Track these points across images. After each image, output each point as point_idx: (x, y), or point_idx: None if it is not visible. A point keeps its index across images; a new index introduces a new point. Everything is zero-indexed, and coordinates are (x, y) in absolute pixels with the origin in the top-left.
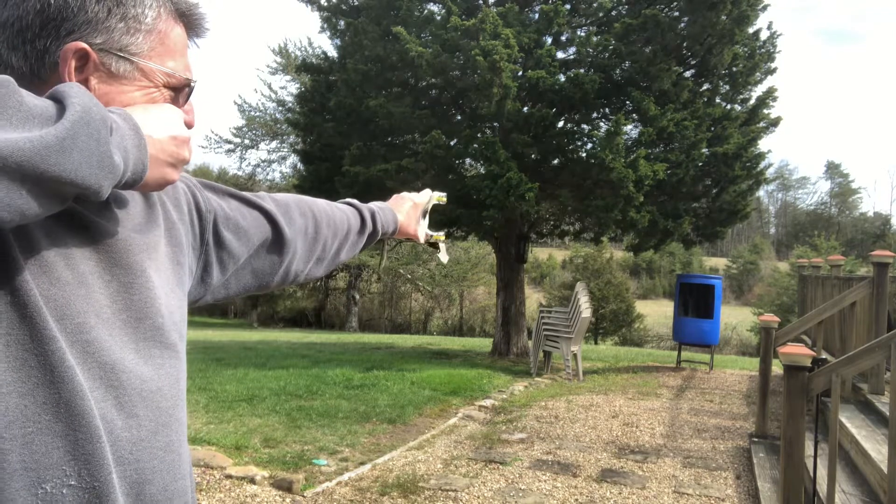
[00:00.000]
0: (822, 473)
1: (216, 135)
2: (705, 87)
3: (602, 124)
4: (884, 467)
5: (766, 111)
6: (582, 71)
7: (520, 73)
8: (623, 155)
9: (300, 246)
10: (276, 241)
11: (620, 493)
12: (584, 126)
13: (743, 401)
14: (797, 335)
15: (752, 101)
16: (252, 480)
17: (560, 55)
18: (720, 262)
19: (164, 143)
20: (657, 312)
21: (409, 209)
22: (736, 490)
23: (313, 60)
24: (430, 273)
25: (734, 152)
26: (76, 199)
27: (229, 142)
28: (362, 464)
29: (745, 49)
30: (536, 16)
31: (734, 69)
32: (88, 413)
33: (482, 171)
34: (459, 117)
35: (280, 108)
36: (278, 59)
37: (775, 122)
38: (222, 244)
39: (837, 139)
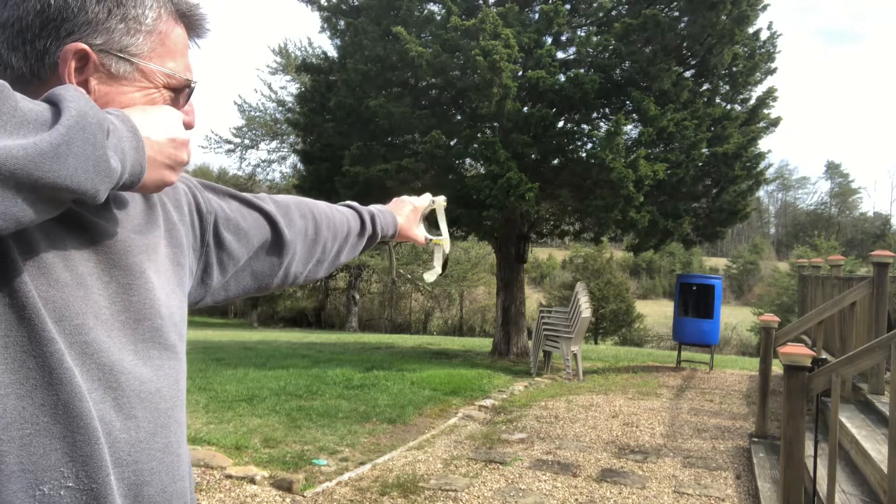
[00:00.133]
0: (822, 473)
1: (216, 135)
2: (705, 87)
3: (602, 124)
4: (884, 467)
5: (766, 111)
6: (582, 71)
7: (520, 73)
8: (623, 155)
9: (300, 248)
10: (276, 243)
11: (620, 493)
12: (584, 126)
13: (743, 401)
14: (797, 335)
15: (752, 101)
16: (252, 480)
17: (560, 55)
18: (720, 262)
19: (163, 145)
20: (657, 312)
21: (409, 213)
22: (736, 490)
23: (313, 60)
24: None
25: (734, 152)
26: (74, 202)
27: (229, 142)
28: (362, 464)
29: (745, 49)
30: (536, 16)
31: (734, 69)
32: (87, 415)
33: (482, 171)
34: (459, 117)
35: (280, 108)
36: (278, 59)
37: (775, 122)
38: (223, 245)
39: (837, 139)
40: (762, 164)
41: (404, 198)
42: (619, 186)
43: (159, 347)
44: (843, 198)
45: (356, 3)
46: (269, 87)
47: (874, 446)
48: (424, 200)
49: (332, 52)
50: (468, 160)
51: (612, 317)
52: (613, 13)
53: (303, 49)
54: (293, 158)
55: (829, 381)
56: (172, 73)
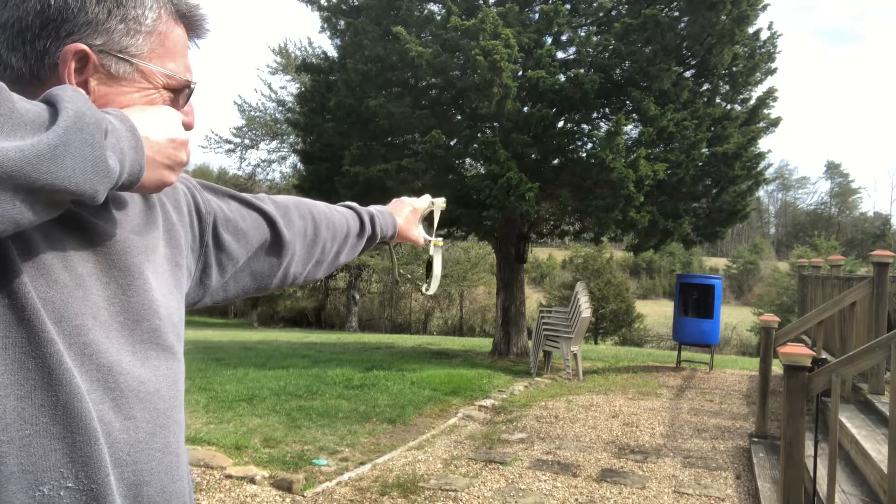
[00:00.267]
0: (822, 473)
1: (216, 135)
2: (705, 87)
3: (602, 124)
4: (884, 467)
5: (766, 111)
6: (582, 71)
7: (520, 73)
8: (623, 155)
9: (299, 248)
10: (275, 244)
11: (620, 493)
12: (584, 126)
13: (743, 401)
14: (797, 335)
15: (752, 102)
16: (252, 480)
17: (560, 55)
18: (720, 262)
19: (162, 146)
20: (657, 312)
21: (409, 214)
22: (736, 490)
23: (313, 60)
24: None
25: (734, 152)
26: (73, 202)
27: (229, 142)
28: (362, 464)
29: (745, 49)
30: (536, 16)
31: (734, 69)
32: (86, 415)
33: (482, 171)
34: (459, 117)
35: (280, 108)
36: (278, 59)
37: (775, 123)
38: (221, 246)
39: (837, 139)
40: (762, 164)
41: (404, 199)
42: (620, 186)
43: (157, 348)
44: (843, 198)
45: (356, 3)
46: (269, 87)
47: (874, 446)
48: (424, 202)
49: (332, 52)
50: (468, 160)
51: (612, 317)
52: (613, 13)
53: (303, 49)
54: (293, 158)
55: (829, 381)
56: (172, 73)
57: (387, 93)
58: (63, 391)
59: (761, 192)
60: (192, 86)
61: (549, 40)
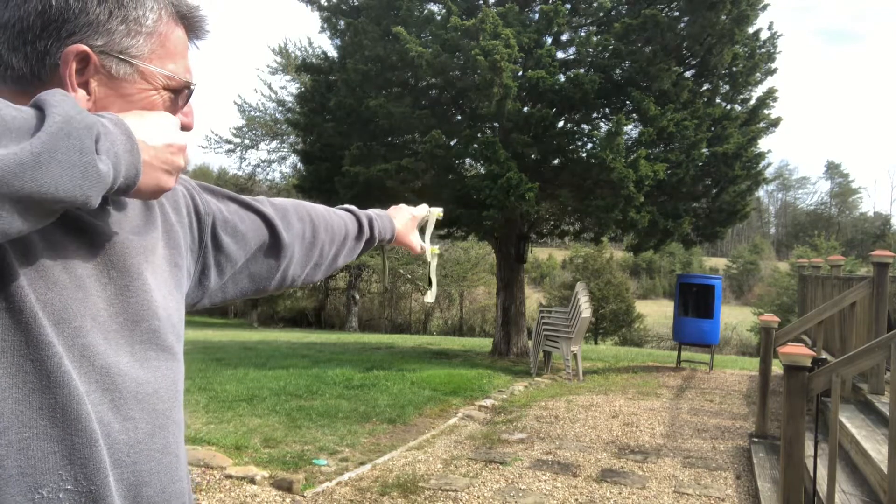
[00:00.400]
0: (822, 473)
1: (216, 135)
2: (705, 87)
3: (602, 124)
4: (884, 467)
5: (766, 111)
6: (582, 71)
7: (520, 73)
8: (623, 155)
9: (297, 250)
10: (274, 245)
11: (620, 493)
12: (585, 126)
13: (743, 401)
14: (797, 335)
15: (753, 102)
16: (252, 480)
17: (560, 55)
18: (720, 262)
19: (159, 150)
20: (657, 312)
21: (408, 220)
22: (736, 490)
23: (313, 60)
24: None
25: (734, 152)
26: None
27: (229, 142)
28: (362, 464)
29: (745, 49)
30: (536, 16)
31: (734, 69)
32: (85, 417)
33: (482, 171)
34: (459, 117)
35: (280, 108)
36: (278, 59)
37: (775, 123)
38: (220, 247)
39: (837, 139)
40: (762, 164)
41: (402, 206)
42: (620, 186)
43: (157, 349)
44: (843, 198)
45: (356, 3)
46: (269, 87)
47: (874, 446)
48: (422, 210)
49: (332, 52)
50: (468, 160)
51: (612, 317)
52: (613, 13)
53: (303, 49)
54: (293, 158)
55: (829, 381)
56: (172, 74)
57: (387, 93)
58: (62, 393)
59: (761, 192)
60: (191, 87)
61: (549, 40)
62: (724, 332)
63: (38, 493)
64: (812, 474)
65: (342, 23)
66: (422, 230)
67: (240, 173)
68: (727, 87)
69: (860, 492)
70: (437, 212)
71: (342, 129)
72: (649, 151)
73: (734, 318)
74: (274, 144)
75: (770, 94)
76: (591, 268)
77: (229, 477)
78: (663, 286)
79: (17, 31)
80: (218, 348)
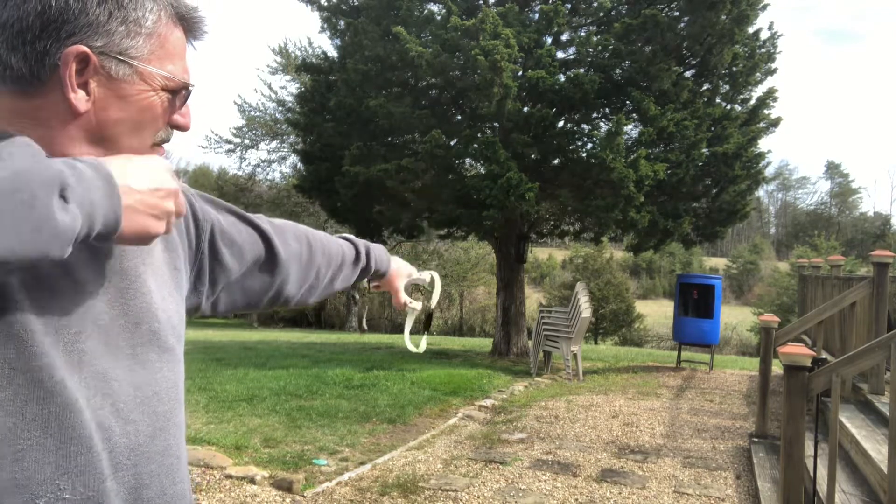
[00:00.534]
0: (822, 473)
1: (216, 135)
2: (705, 87)
3: (602, 124)
4: (884, 467)
5: (766, 111)
6: (582, 71)
7: (520, 73)
8: (623, 155)
9: (293, 270)
10: (270, 261)
11: (620, 493)
12: (585, 126)
13: (743, 401)
14: (797, 335)
15: (753, 102)
16: (252, 480)
17: (560, 55)
18: (720, 262)
19: (146, 195)
20: (657, 312)
21: (403, 267)
22: (736, 490)
23: (313, 60)
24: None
25: (734, 152)
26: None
27: (229, 142)
28: (362, 464)
29: (745, 49)
30: (536, 16)
31: (734, 69)
32: (80, 425)
33: (482, 171)
34: (459, 117)
35: (280, 108)
36: (278, 59)
37: (775, 123)
38: (216, 256)
39: (837, 139)
40: (762, 164)
41: (404, 263)
42: (620, 186)
43: (158, 350)
44: (843, 198)
45: (356, 3)
46: (269, 87)
47: (874, 446)
48: (424, 275)
49: (332, 52)
50: (468, 160)
51: (612, 317)
52: (613, 13)
53: (303, 49)
54: (293, 158)
55: (829, 381)
56: (171, 75)
57: (387, 93)
58: (55, 403)
59: (761, 192)
60: (190, 88)
61: (549, 40)
62: (724, 332)
63: None
64: (812, 474)
65: (342, 23)
66: (428, 296)
67: (240, 173)
68: (727, 87)
69: (860, 492)
70: (437, 284)
71: (342, 129)
72: (649, 151)
73: (734, 318)
74: (274, 144)
75: (770, 94)
76: (591, 268)
77: (229, 477)
78: (663, 286)
79: (16, 31)
80: (218, 348)
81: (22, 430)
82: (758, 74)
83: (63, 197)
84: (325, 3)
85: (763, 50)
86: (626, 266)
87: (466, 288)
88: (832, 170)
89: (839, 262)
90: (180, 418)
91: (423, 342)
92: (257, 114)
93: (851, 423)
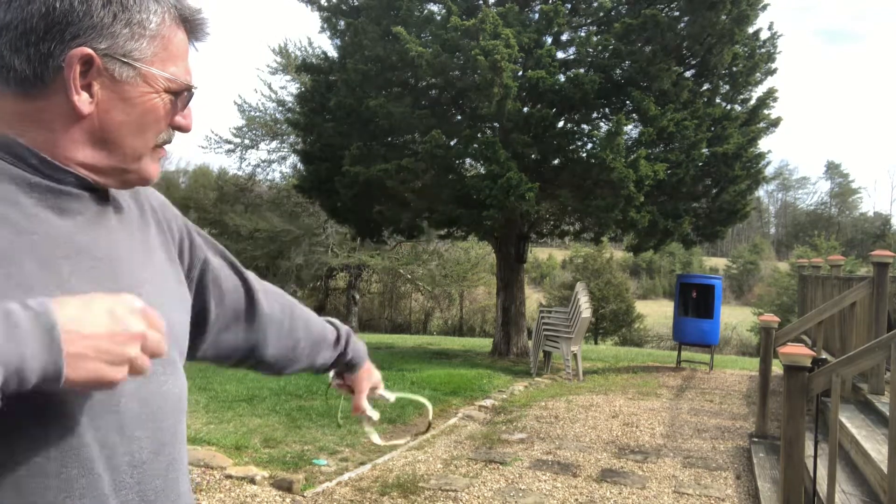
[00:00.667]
0: (822, 473)
1: (216, 135)
2: (705, 87)
3: (602, 124)
4: (884, 467)
5: (766, 111)
6: (582, 71)
7: (520, 73)
8: (623, 155)
9: (271, 333)
10: (249, 316)
11: (620, 493)
12: (585, 126)
13: (743, 401)
14: (797, 335)
15: (753, 102)
16: (252, 480)
17: (560, 55)
18: (720, 262)
19: (98, 340)
20: (657, 312)
21: (375, 371)
22: (736, 490)
23: (313, 60)
24: (429, 273)
25: (734, 152)
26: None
27: (229, 142)
28: (362, 464)
29: (745, 49)
30: (536, 16)
31: (734, 69)
32: (81, 448)
33: (482, 171)
34: (459, 117)
35: (280, 108)
36: (278, 59)
37: (775, 123)
38: (202, 289)
39: (837, 139)
40: (762, 164)
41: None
42: (620, 186)
43: (161, 363)
44: (843, 198)
45: (356, 3)
46: (269, 87)
47: (874, 446)
48: (385, 393)
49: (332, 52)
50: (468, 160)
51: (612, 317)
52: (613, 13)
53: (303, 49)
54: (293, 158)
55: (829, 381)
56: (174, 77)
57: (387, 93)
58: (56, 426)
59: (761, 192)
60: (192, 89)
61: (549, 40)
62: (724, 332)
63: None
64: (812, 474)
65: (342, 23)
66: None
67: (240, 173)
68: (727, 87)
69: (860, 492)
70: (430, 411)
71: (342, 129)
72: (649, 151)
73: (734, 318)
74: (274, 144)
75: (770, 94)
76: (591, 268)
77: (229, 477)
78: (663, 286)
79: (19, 33)
80: None
81: (21, 457)
82: (758, 74)
83: None
84: (325, 3)
85: (763, 50)
86: (626, 266)
87: (466, 288)
88: (832, 170)
89: (839, 262)
90: (183, 429)
91: (376, 435)
92: (257, 114)
93: (851, 423)
